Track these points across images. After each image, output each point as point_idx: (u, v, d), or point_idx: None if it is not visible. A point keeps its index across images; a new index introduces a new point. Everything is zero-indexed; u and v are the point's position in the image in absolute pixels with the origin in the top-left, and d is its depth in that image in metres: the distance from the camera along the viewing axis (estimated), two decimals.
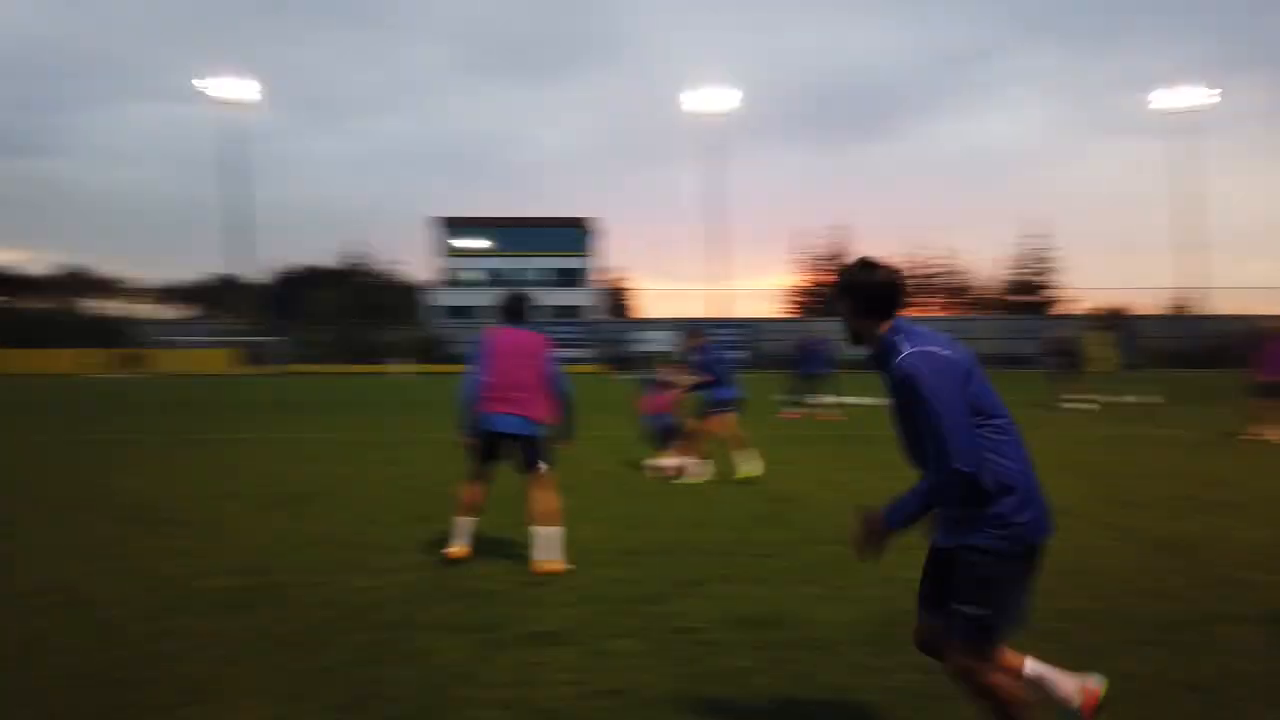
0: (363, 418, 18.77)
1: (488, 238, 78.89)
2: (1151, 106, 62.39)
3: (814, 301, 71.41)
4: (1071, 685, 3.08)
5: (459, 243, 78.66)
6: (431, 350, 59.24)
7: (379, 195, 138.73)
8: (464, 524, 6.01)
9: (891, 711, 3.61)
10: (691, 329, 11.00)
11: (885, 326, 2.90)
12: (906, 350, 2.79)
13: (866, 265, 2.96)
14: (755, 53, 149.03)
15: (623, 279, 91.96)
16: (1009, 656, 3.05)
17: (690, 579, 5.56)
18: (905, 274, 2.98)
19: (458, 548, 5.97)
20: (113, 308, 72.48)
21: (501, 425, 5.85)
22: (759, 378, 40.37)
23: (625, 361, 52.46)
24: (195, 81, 60.41)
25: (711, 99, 64.04)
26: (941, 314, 69.83)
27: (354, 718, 3.53)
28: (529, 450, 5.93)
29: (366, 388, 33.33)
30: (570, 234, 78.09)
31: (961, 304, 72.36)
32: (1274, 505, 8.09)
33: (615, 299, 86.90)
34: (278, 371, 51.32)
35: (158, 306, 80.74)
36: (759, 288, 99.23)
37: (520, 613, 4.86)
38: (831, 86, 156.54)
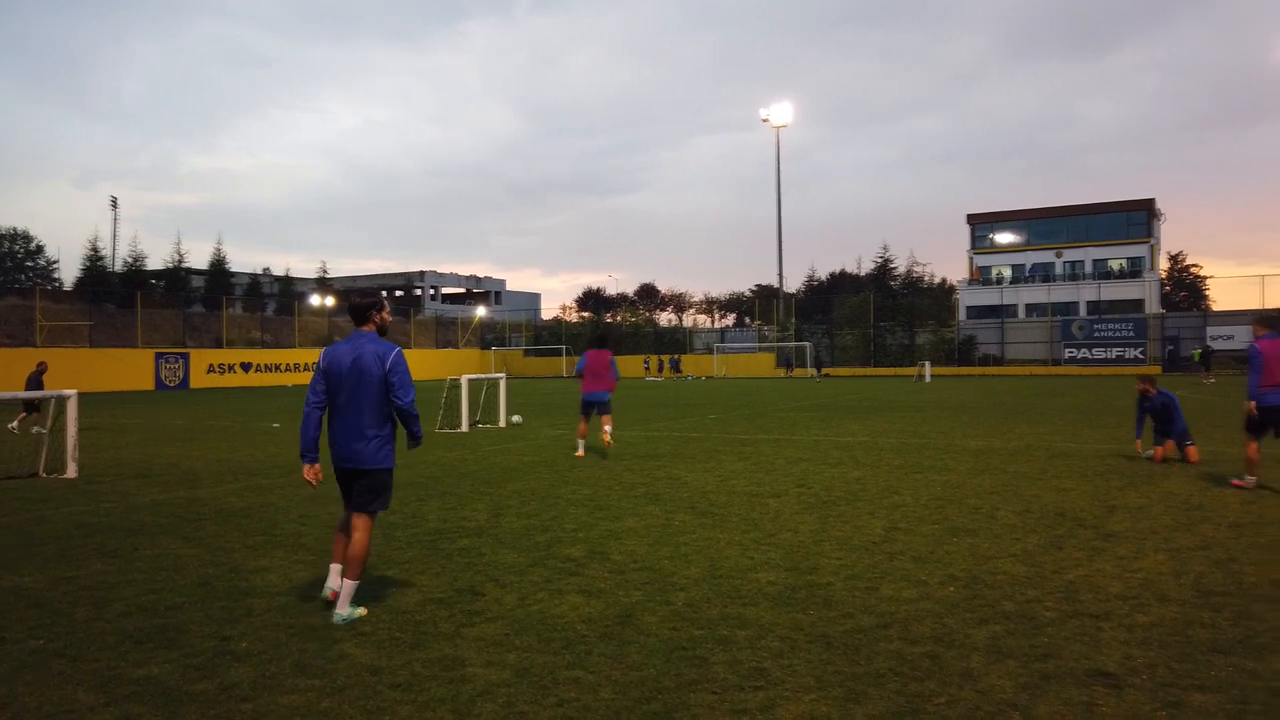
0: (888, 421, 18.96)
1: (1023, 232, 74.29)
2: None
3: None
4: None
5: (991, 239, 75.26)
6: (960, 351, 57.62)
7: (916, 197, 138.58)
8: None
9: None
10: (1261, 318, 9.54)
11: None
12: None
13: None
14: None
15: (1192, 267, 79.88)
16: None
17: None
18: None
19: None
20: (679, 320, 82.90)
21: None
22: None
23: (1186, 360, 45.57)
24: (759, 110, 66.45)
25: None
26: None
27: None
28: None
29: (894, 390, 33.57)
30: (1121, 220, 70.07)
31: None
32: None
33: (1181, 290, 75.86)
34: (809, 375, 54.13)
35: (712, 317, 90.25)
36: None
37: (1074, 646, 4.53)
38: None
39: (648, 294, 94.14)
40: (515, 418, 19.51)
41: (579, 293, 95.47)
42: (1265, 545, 6.78)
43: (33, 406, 18.49)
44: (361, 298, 5.56)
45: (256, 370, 49.55)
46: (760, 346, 63.27)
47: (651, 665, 4.32)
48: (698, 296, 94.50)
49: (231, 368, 48.37)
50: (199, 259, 70.78)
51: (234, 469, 12.11)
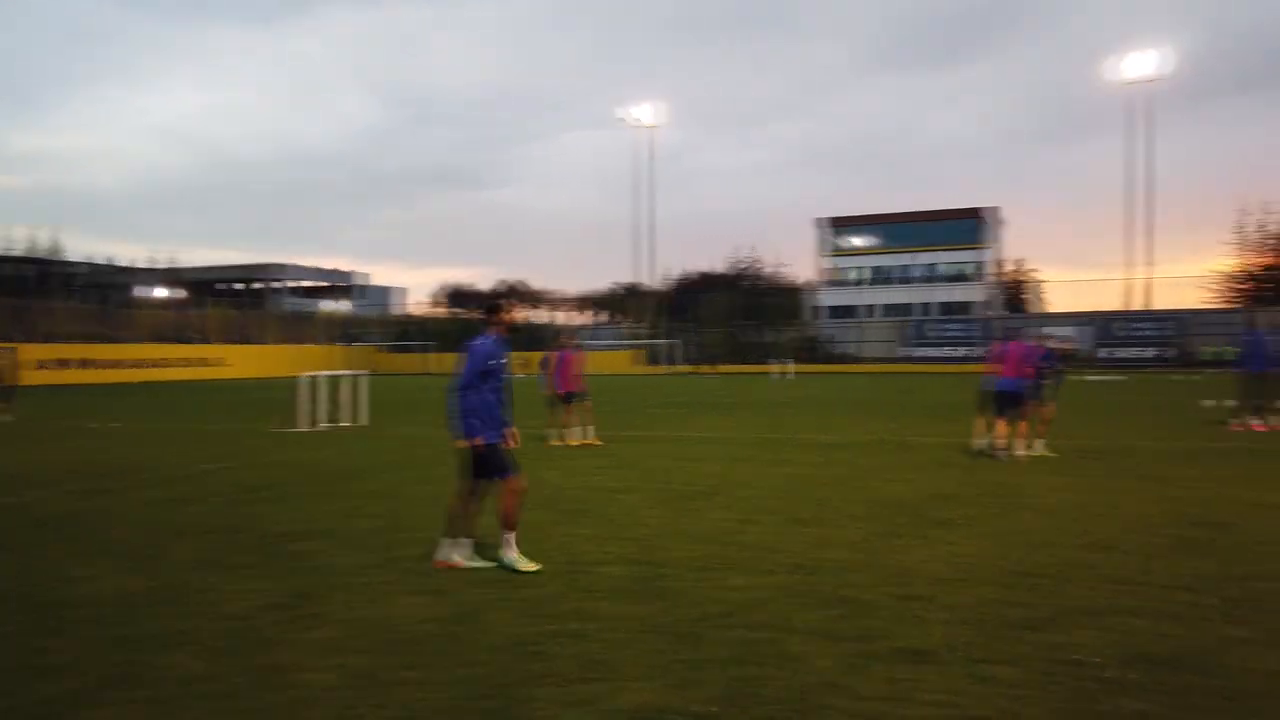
0: (747, 417, 19.51)
1: (874, 235, 77.67)
2: None
3: (1261, 289, 60.59)
4: None
5: (844, 242, 78.37)
6: (813, 350, 59.81)
7: (774, 200, 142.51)
8: None
9: None
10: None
11: None
12: None
13: None
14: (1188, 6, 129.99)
15: (1024, 271, 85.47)
16: None
17: (1086, 607, 5.11)
18: None
19: None
20: (537, 315, 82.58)
21: None
22: (1186, 378, 35.34)
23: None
24: (616, 109, 67.22)
25: (1136, 64, 57.12)
26: None
27: (730, 712, 3.76)
28: None
29: (753, 387, 34.53)
30: (962, 226, 74.26)
31: None
32: None
33: (1014, 293, 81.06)
34: (670, 372, 55.02)
35: (573, 314, 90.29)
36: (1187, 275, 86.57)
37: (899, 628, 4.81)
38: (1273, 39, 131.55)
39: (514, 291, 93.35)
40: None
41: (447, 288, 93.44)
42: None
43: None
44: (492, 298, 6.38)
45: (95, 367, 46.34)
46: (625, 343, 63.84)
47: (495, 662, 4.32)
48: (564, 293, 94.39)
49: (66, 363, 45.06)
50: (25, 246, 65.41)
51: (65, 472, 11.31)
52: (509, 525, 6.18)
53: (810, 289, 75.98)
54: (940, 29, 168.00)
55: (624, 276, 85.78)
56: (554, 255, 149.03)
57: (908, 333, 60.37)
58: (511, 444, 6.37)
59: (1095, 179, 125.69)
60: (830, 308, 72.23)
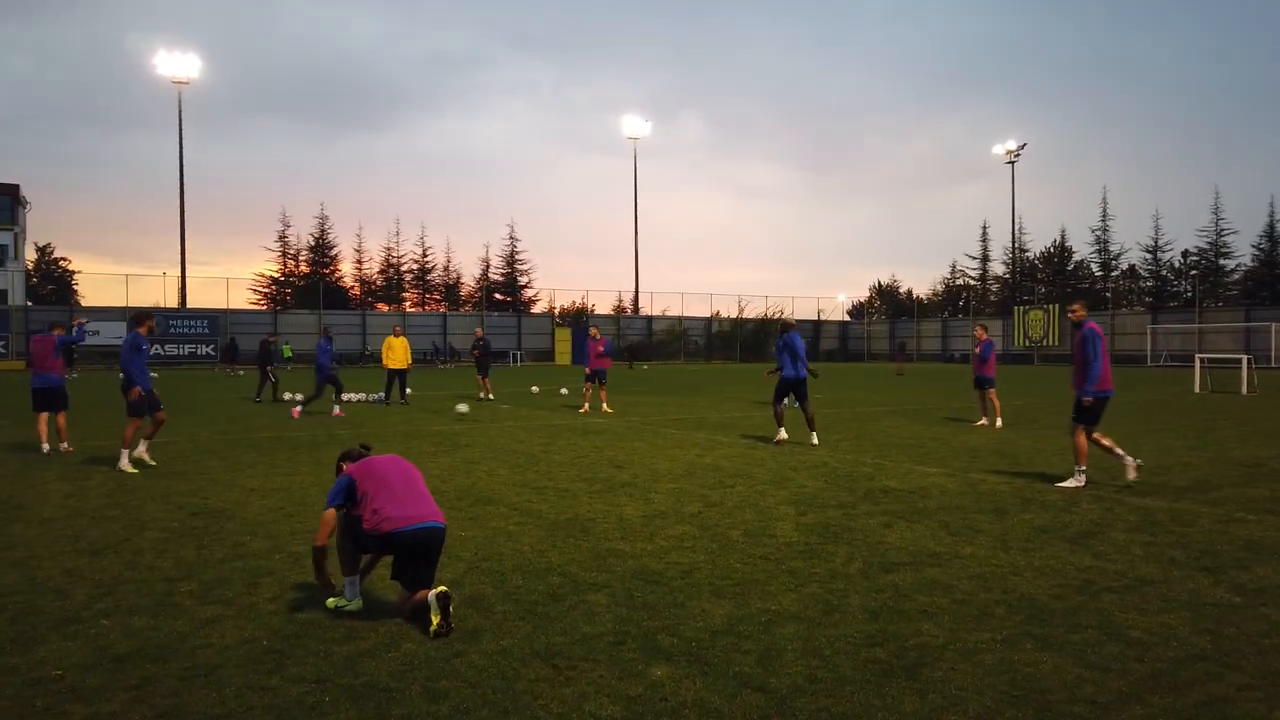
0: None
1: None
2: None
3: (288, 293, 68.18)
4: None
5: None
6: None
7: None
8: None
9: None
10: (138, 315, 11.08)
11: None
12: None
13: None
14: (235, 21, 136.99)
15: (62, 260, 78.87)
16: None
17: (59, 619, 4.88)
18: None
19: None
20: None
21: None
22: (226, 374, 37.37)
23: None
24: None
25: (180, 63, 57.51)
26: (421, 310, 71.33)
27: None
28: None
29: None
30: None
31: (443, 301, 74.59)
32: (659, 483, 9.64)
33: (50, 283, 74.25)
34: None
35: None
36: (228, 276, 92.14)
37: None
38: (319, 71, 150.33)
39: None
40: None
41: None
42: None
43: None
44: None
45: None
46: None
47: None
48: None
49: None
50: None
51: None
52: None
53: None
54: None
55: None
56: None
57: None
58: None
59: (136, 171, 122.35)
60: None
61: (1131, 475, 9.20)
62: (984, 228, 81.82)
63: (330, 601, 5.05)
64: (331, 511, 4.95)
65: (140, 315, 10.93)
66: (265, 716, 3.62)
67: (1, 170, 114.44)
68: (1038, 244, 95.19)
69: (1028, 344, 65.18)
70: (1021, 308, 68.25)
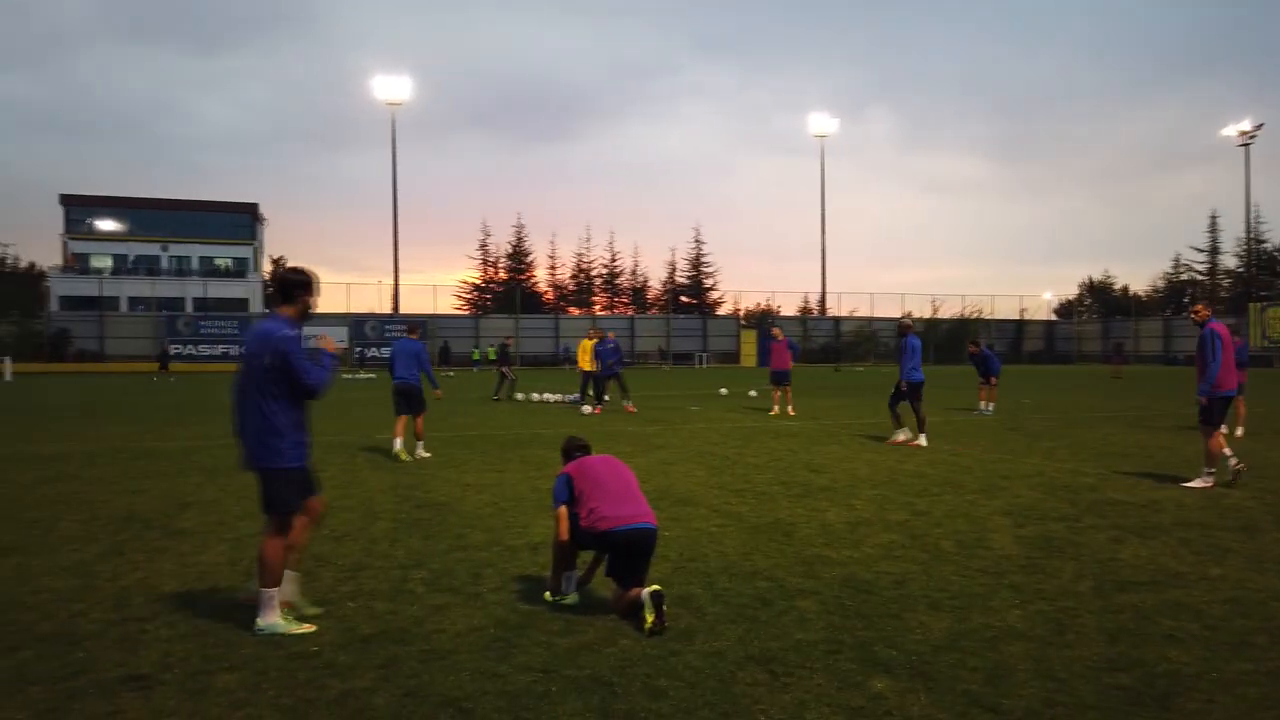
0: None
1: (127, 221, 70.35)
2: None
3: (488, 299, 71.65)
4: None
5: (91, 225, 69.43)
6: (52, 346, 52.00)
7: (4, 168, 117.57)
8: None
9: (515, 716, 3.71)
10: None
11: None
12: None
13: None
14: (443, 43, 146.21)
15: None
16: None
17: (314, 599, 5.35)
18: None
19: None
20: None
21: None
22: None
23: None
24: None
25: (394, 86, 61.73)
26: (610, 313, 73.09)
27: None
28: None
29: None
30: (229, 220, 72.00)
31: (631, 304, 76.20)
32: (860, 489, 9.41)
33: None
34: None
35: None
36: (434, 284, 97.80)
37: (112, 655, 4.38)
38: (515, 85, 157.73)
39: None
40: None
41: None
42: None
43: None
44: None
45: None
46: None
47: None
48: None
49: None
50: None
51: None
52: None
53: (44, 275, 65.47)
54: (205, 9, 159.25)
55: None
56: None
57: (167, 328, 56.14)
58: None
59: (353, 188, 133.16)
60: (72, 298, 63.08)
61: (1230, 475, 9.28)
62: (1213, 217, 74.78)
63: (548, 595, 5.26)
64: (564, 508, 5.17)
65: (412, 326, 13.10)
66: (499, 701, 3.81)
67: (241, 189, 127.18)
68: (1277, 233, 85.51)
69: (1266, 343, 58.68)
70: (1259, 304, 61.60)
